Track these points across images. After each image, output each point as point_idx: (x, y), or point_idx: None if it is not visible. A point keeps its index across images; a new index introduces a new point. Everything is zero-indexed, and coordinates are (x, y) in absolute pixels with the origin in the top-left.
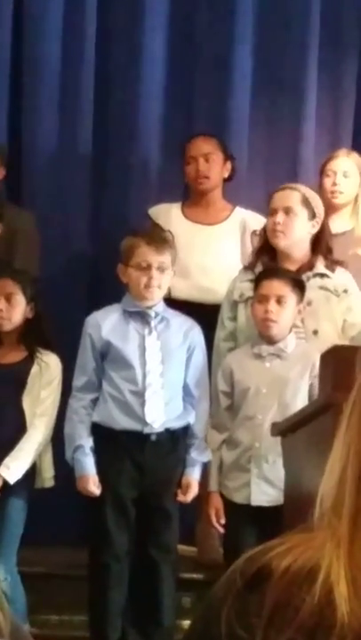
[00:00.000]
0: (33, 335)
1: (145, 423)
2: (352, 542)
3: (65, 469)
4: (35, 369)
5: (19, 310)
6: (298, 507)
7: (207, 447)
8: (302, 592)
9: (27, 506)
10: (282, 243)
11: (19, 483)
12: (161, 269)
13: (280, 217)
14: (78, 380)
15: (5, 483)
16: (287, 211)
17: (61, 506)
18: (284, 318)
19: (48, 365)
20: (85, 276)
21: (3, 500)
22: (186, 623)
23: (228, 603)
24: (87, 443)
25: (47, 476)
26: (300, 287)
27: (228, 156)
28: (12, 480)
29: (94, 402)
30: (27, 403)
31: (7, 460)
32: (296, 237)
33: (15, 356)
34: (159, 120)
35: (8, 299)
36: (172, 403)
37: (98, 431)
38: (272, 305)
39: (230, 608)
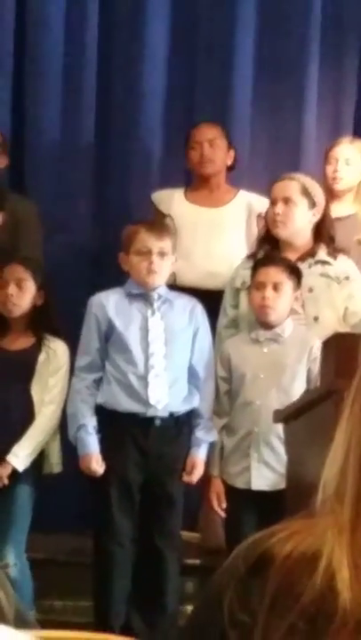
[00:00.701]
0: (41, 322)
1: (149, 405)
2: (354, 529)
3: (70, 455)
4: (43, 356)
5: (28, 296)
6: (300, 493)
7: (213, 427)
8: (304, 578)
9: (35, 492)
10: (282, 232)
11: (27, 470)
12: (161, 255)
13: (279, 207)
14: (82, 360)
15: (14, 470)
16: (286, 201)
17: (66, 492)
18: (281, 305)
19: (56, 352)
20: (88, 264)
21: (12, 487)
22: (189, 608)
23: (230, 588)
24: (90, 422)
25: (55, 462)
26: (296, 274)
27: (231, 145)
28: (20, 467)
29: (97, 382)
30: (35, 390)
31: (16, 448)
32: (297, 227)
33: (23, 342)
34: (161, 109)
35: (18, 284)
36: (176, 385)
37: (101, 413)
38: (269, 291)
39: (233, 593)
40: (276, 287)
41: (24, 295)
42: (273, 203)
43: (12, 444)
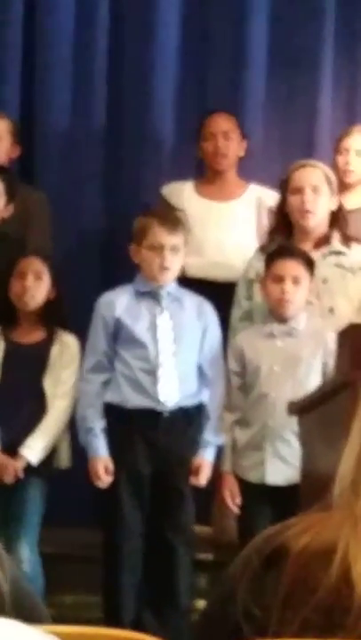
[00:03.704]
0: (53, 316)
1: (158, 401)
2: None
3: (79, 450)
4: (55, 349)
5: (44, 289)
6: (315, 486)
7: (221, 429)
8: (319, 572)
9: (47, 486)
10: (312, 222)
11: (39, 464)
12: (174, 250)
13: (310, 196)
14: (88, 362)
15: (27, 464)
16: (315, 189)
17: (76, 486)
18: (299, 298)
19: (68, 346)
20: (99, 254)
21: (24, 480)
22: (201, 603)
23: (244, 582)
24: (98, 424)
25: (64, 457)
26: (311, 266)
27: (243, 135)
28: (34, 460)
29: (105, 383)
30: (48, 383)
31: (29, 441)
32: (323, 215)
33: (35, 336)
34: (173, 97)
35: (36, 277)
36: (185, 382)
37: (111, 412)
38: (288, 285)
39: (247, 587)
40: (295, 280)
41: (41, 288)
42: (299, 191)
43: (25, 436)
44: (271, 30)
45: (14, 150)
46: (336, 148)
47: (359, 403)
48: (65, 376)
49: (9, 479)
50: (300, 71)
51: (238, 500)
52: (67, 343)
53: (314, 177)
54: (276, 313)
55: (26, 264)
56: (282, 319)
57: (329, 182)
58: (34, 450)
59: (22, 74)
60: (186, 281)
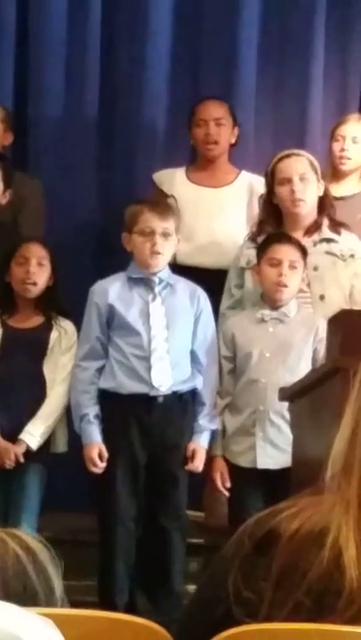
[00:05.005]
0: (50, 302)
1: (152, 386)
2: None
3: (77, 435)
4: (55, 334)
5: (47, 275)
6: (306, 471)
7: (216, 415)
8: (311, 555)
9: (46, 471)
10: (303, 210)
11: (39, 448)
12: (165, 235)
13: (299, 185)
14: (82, 349)
15: (27, 449)
16: (302, 178)
17: (71, 471)
18: (294, 284)
19: (67, 331)
20: (92, 243)
21: (24, 466)
22: (192, 588)
23: (235, 565)
24: (92, 411)
25: (61, 442)
26: (305, 255)
27: (236, 122)
28: (35, 446)
29: (99, 370)
30: (48, 368)
31: (29, 427)
32: (312, 203)
33: (33, 321)
34: (166, 86)
35: (39, 263)
36: (178, 367)
37: (105, 398)
38: (286, 269)
39: (238, 570)
40: (291, 265)
41: (43, 274)
42: (286, 181)
43: (25, 422)
44: (263, 18)
45: (6, 137)
46: (331, 135)
47: (350, 388)
48: (64, 361)
49: (10, 464)
50: (292, 59)
51: (228, 484)
52: (65, 328)
53: (300, 166)
54: (271, 297)
55: (28, 250)
56: (275, 304)
57: (314, 169)
58: (34, 435)
59: (15, 62)
60: (176, 268)
